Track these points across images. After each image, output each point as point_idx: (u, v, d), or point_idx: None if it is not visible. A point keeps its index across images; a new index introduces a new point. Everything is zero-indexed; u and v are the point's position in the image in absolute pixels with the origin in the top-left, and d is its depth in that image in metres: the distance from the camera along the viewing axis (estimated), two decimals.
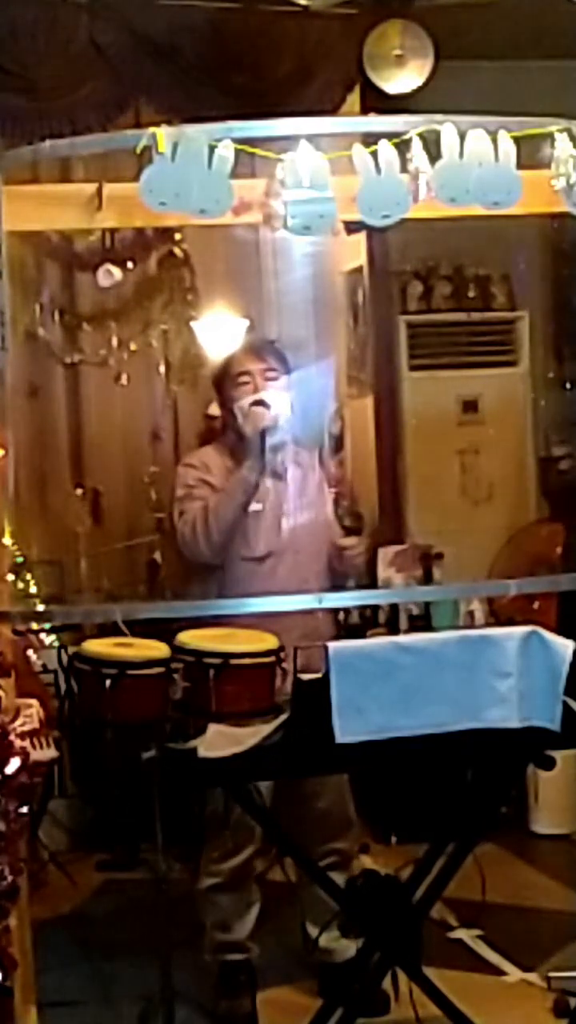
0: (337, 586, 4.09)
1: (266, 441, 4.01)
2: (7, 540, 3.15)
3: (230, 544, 4.06)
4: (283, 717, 3.23)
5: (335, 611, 4.38)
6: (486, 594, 5.47)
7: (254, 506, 4.05)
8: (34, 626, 4.58)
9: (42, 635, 5.10)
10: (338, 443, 5.97)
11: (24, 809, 2.91)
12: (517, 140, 2.99)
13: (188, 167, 2.89)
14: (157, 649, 3.51)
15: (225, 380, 4.17)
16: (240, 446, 4.08)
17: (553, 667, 3.16)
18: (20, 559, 4.32)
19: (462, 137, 2.96)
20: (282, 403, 4.05)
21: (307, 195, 2.91)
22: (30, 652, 4.88)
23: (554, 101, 3.35)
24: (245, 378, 4.09)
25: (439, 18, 5.78)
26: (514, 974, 4.27)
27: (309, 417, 4.45)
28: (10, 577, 3.30)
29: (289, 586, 3.94)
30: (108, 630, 3.67)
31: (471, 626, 5.37)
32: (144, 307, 6.18)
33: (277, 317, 6.00)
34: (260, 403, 4.03)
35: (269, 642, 3.52)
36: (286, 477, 4.14)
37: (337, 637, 4.04)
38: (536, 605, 5.18)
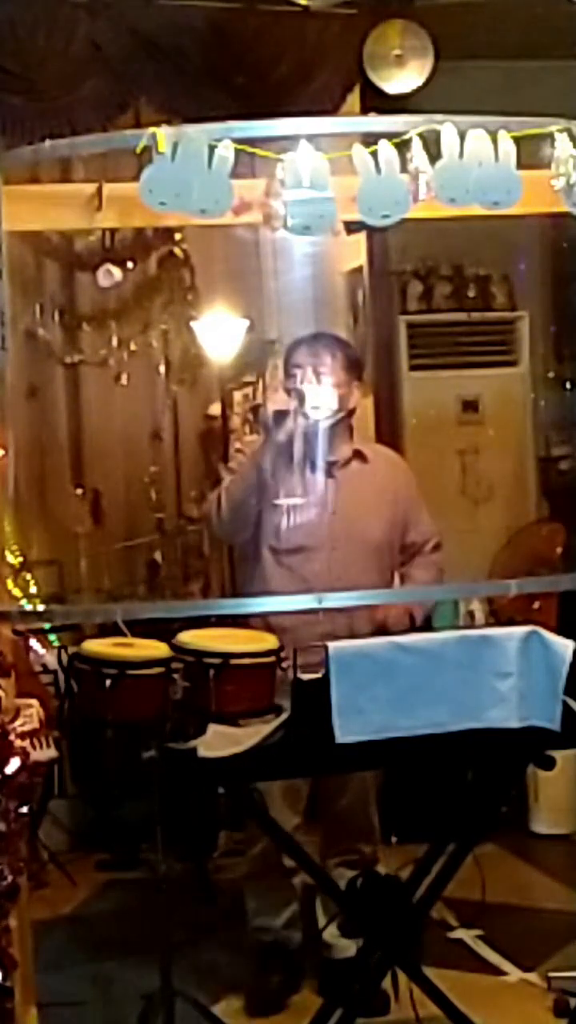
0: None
1: (302, 440, 3.99)
2: (7, 540, 3.15)
3: (245, 525, 4.07)
4: (283, 717, 3.23)
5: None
6: (486, 594, 5.47)
7: (291, 500, 4.04)
8: (34, 626, 4.58)
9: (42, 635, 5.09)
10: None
11: (24, 809, 2.91)
12: (517, 140, 2.99)
13: (188, 167, 2.89)
14: (157, 649, 3.52)
15: (287, 368, 4.19)
16: (275, 434, 4.06)
17: (553, 667, 3.16)
18: (20, 559, 4.32)
19: (462, 137, 2.96)
20: (328, 401, 4.05)
21: (307, 195, 2.91)
22: (35, 651, 4.88)
23: (554, 101, 3.34)
24: (297, 371, 4.09)
25: (439, 18, 5.78)
26: (514, 974, 4.27)
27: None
28: (10, 577, 3.30)
29: (324, 583, 3.93)
30: (108, 630, 3.67)
31: (471, 626, 5.37)
32: (144, 307, 6.18)
33: (277, 317, 6.00)
34: (294, 392, 4.03)
35: (269, 642, 3.53)
36: (340, 475, 4.14)
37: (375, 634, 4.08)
38: (536, 605, 5.18)
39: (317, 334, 4.32)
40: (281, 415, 4.01)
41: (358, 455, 4.23)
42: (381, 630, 4.01)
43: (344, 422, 4.17)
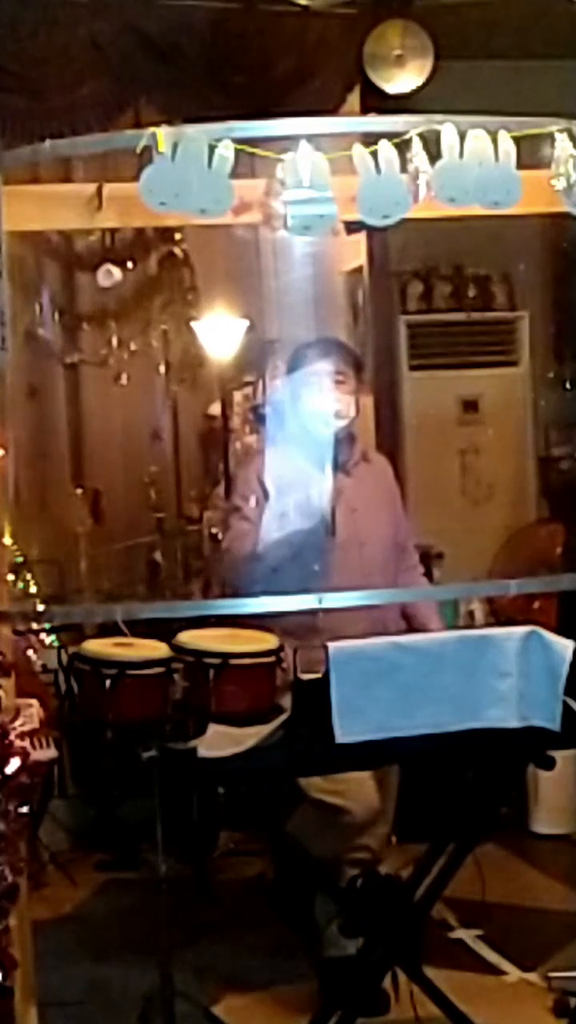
0: None
1: (334, 442, 4.06)
2: (7, 540, 3.15)
3: (274, 556, 4.03)
4: (283, 717, 3.23)
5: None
6: (486, 594, 5.47)
7: (324, 499, 4.05)
8: (34, 626, 4.58)
9: (42, 635, 5.10)
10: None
11: (24, 809, 2.91)
12: (517, 140, 2.99)
13: (188, 167, 2.88)
14: (157, 649, 3.52)
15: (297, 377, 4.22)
16: (307, 448, 4.10)
17: (553, 667, 3.16)
18: (20, 559, 4.32)
19: (462, 137, 2.96)
20: (349, 405, 4.13)
21: (307, 195, 2.91)
22: (35, 651, 4.89)
23: (554, 101, 3.35)
24: (313, 379, 4.13)
25: (439, 18, 5.79)
26: (514, 974, 4.27)
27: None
28: (10, 577, 3.30)
29: (355, 579, 3.95)
30: (108, 630, 3.67)
31: (471, 626, 5.37)
32: (144, 307, 6.18)
33: (277, 317, 6.00)
34: (330, 405, 4.09)
35: (269, 642, 3.53)
36: (354, 474, 4.19)
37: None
38: (536, 605, 5.19)
39: (327, 339, 4.34)
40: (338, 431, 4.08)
41: (364, 456, 4.34)
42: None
43: (355, 424, 4.28)
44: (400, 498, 4.45)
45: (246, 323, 5.89)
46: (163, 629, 3.58)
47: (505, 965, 4.33)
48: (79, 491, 6.13)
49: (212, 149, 2.89)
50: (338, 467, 4.10)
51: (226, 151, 2.89)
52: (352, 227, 3.64)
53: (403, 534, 4.39)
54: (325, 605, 3.25)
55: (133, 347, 6.14)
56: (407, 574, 4.38)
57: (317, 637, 3.50)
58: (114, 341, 6.12)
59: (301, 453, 4.11)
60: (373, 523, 4.20)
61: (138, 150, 2.92)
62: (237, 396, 6.18)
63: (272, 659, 3.50)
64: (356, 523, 4.14)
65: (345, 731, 3.10)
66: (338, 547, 4.08)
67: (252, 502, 4.13)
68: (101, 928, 4.88)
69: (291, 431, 4.18)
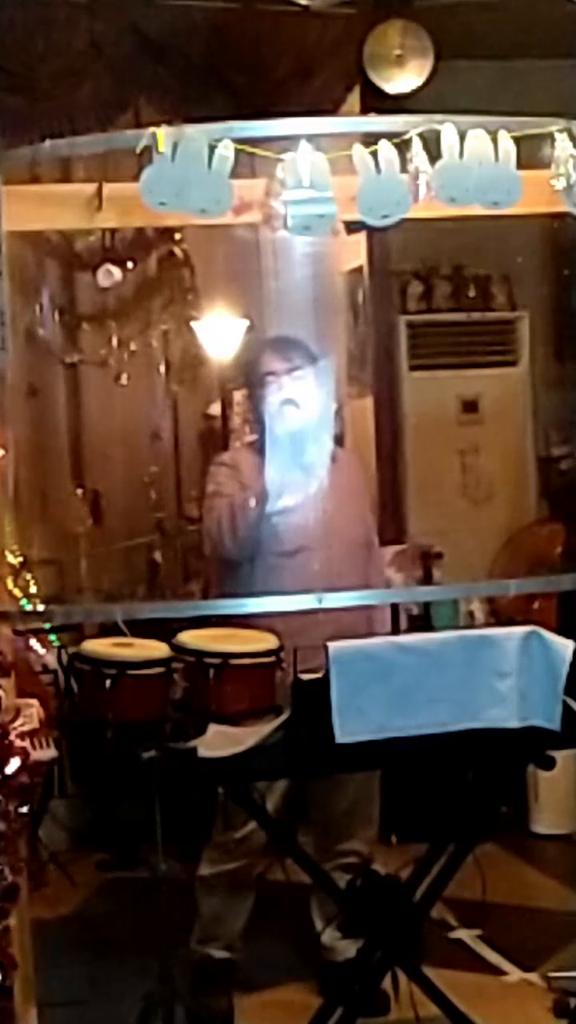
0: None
1: (295, 441, 4.02)
2: (7, 540, 3.15)
3: (258, 539, 4.07)
4: (283, 717, 3.23)
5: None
6: (486, 594, 5.47)
7: (286, 501, 4.05)
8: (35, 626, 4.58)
9: (42, 636, 5.10)
10: (338, 443, 5.96)
11: (24, 809, 2.91)
12: (517, 140, 2.99)
13: (188, 167, 2.88)
14: (157, 649, 3.52)
15: (253, 379, 4.21)
16: (269, 445, 4.08)
17: (553, 667, 3.16)
18: (20, 559, 4.31)
19: (462, 137, 2.96)
20: (311, 400, 4.07)
21: (307, 195, 2.91)
22: (34, 651, 4.88)
23: (554, 101, 3.35)
24: (271, 378, 4.10)
25: (439, 18, 5.78)
26: (514, 974, 4.27)
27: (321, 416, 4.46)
28: (10, 577, 3.30)
29: (322, 582, 3.93)
30: (108, 630, 3.67)
31: (471, 626, 5.37)
32: (144, 307, 6.18)
33: (277, 317, 5.99)
34: (288, 402, 4.04)
35: (269, 642, 3.52)
36: (319, 472, 4.14)
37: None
38: (536, 605, 5.19)
39: (279, 337, 4.34)
40: (298, 426, 4.03)
41: (332, 456, 4.26)
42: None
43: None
44: (368, 497, 4.39)
45: (246, 323, 5.89)
46: (163, 629, 3.57)
47: (505, 965, 4.33)
48: (79, 491, 6.14)
49: (212, 149, 2.89)
50: (313, 464, 4.06)
51: (226, 151, 2.89)
52: (352, 227, 3.64)
53: (370, 534, 4.35)
54: (325, 605, 3.26)
55: (133, 347, 6.15)
56: (375, 575, 4.33)
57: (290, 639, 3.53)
58: (114, 341, 6.13)
59: (269, 455, 4.08)
60: (339, 523, 4.13)
61: (138, 150, 2.92)
62: (237, 396, 6.18)
63: (272, 659, 3.49)
64: (322, 523, 4.09)
65: (345, 731, 3.10)
66: (303, 549, 4.06)
67: (228, 486, 4.13)
68: (101, 928, 4.88)
69: (261, 434, 4.16)
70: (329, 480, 4.12)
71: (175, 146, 2.88)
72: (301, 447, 4.06)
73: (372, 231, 4.10)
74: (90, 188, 3.71)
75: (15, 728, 2.95)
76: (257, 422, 4.20)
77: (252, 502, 4.05)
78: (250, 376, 4.27)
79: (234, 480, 4.15)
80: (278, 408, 4.04)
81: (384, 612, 4.30)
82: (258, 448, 4.18)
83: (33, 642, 4.80)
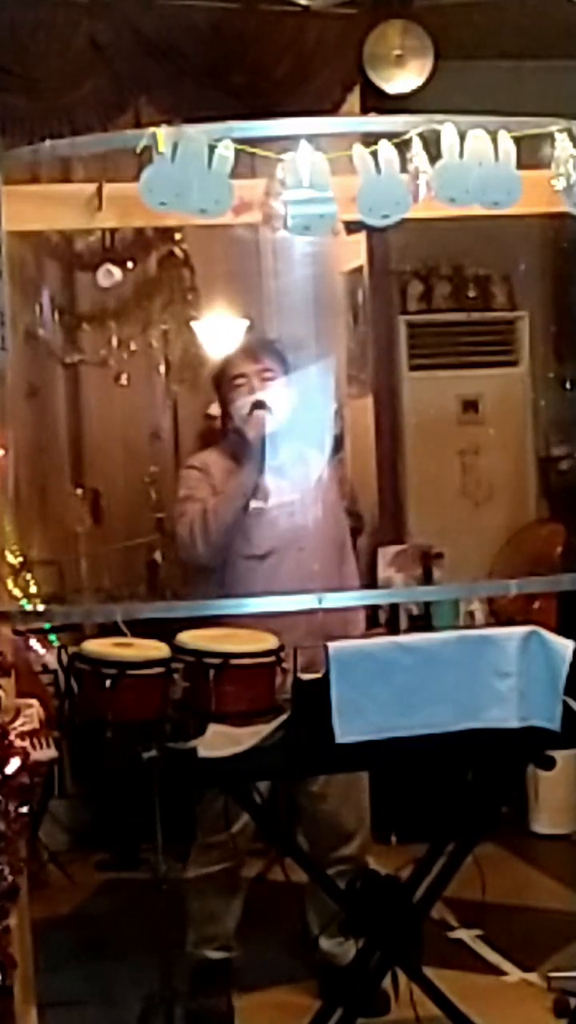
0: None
1: (268, 444, 4.01)
2: (7, 540, 3.15)
3: (230, 544, 4.06)
4: (283, 717, 3.23)
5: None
6: (486, 594, 5.47)
7: (256, 504, 4.05)
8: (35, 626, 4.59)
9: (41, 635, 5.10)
10: (338, 443, 5.96)
11: (24, 809, 2.91)
12: (517, 140, 2.99)
13: (188, 167, 2.89)
14: (157, 649, 3.52)
15: (223, 383, 4.18)
16: (242, 448, 4.08)
17: (553, 667, 3.16)
18: (20, 559, 4.31)
19: (462, 137, 2.96)
20: (282, 403, 4.05)
21: (307, 195, 2.91)
22: (34, 651, 4.88)
23: (554, 101, 3.34)
24: (241, 380, 4.09)
25: (439, 18, 5.78)
26: (514, 974, 4.27)
27: (310, 417, 4.45)
28: (10, 577, 3.30)
29: (292, 584, 3.93)
30: (108, 630, 3.67)
31: (471, 626, 5.37)
32: (144, 307, 6.18)
33: (277, 317, 6.00)
34: (260, 405, 4.02)
35: (269, 642, 3.52)
36: (288, 475, 4.12)
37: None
38: (536, 605, 5.19)
39: (254, 340, 4.31)
40: (269, 431, 4.01)
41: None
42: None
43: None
44: (340, 496, 4.33)
45: (246, 323, 5.89)
46: (163, 629, 3.57)
47: (505, 965, 4.33)
48: (79, 491, 6.13)
49: (212, 149, 2.89)
50: (265, 470, 4.05)
51: (226, 151, 2.90)
52: (352, 227, 3.64)
53: (343, 535, 4.29)
54: (325, 605, 3.26)
55: (133, 347, 6.14)
56: (349, 576, 4.29)
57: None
58: (114, 341, 6.13)
59: (239, 458, 4.08)
60: (310, 525, 4.09)
61: (138, 150, 2.92)
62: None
63: (272, 659, 3.49)
64: (289, 531, 4.06)
65: (345, 731, 3.10)
66: (273, 551, 4.05)
67: (200, 490, 4.11)
68: (101, 928, 4.88)
69: (232, 437, 4.15)
70: (301, 481, 4.10)
71: (175, 146, 2.88)
72: (272, 449, 4.04)
73: (372, 231, 4.09)
74: (90, 188, 3.71)
75: (15, 728, 2.95)
76: (229, 425, 4.17)
77: (225, 508, 4.04)
78: (219, 378, 4.23)
79: (205, 484, 4.13)
80: (248, 410, 4.03)
81: (358, 614, 4.24)
82: (228, 451, 4.17)
83: (33, 642, 4.80)
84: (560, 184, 3.04)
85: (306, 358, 5.33)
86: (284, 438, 4.08)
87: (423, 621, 5.59)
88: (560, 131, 3.04)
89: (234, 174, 2.90)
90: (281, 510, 4.08)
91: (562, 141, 3.03)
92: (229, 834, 3.84)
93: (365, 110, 5.79)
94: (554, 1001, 3.97)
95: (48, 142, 3.45)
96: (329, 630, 3.71)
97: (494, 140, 2.98)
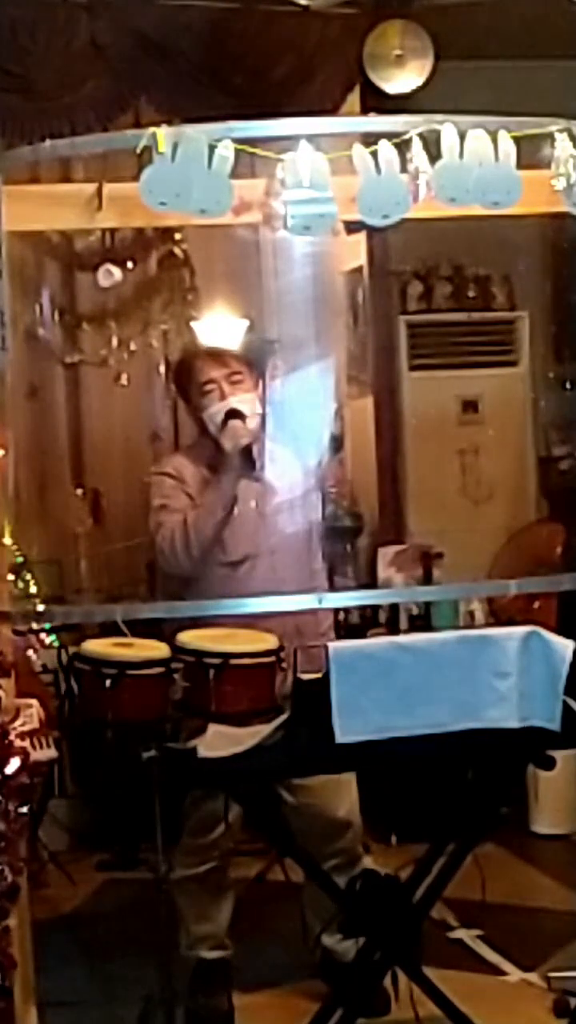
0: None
1: (245, 452, 4.00)
2: (7, 540, 3.15)
3: (209, 554, 4.03)
4: (283, 717, 3.23)
5: (335, 611, 4.36)
6: (486, 594, 5.47)
7: (234, 511, 4.02)
8: (34, 626, 4.59)
9: (42, 635, 5.10)
10: (338, 443, 5.96)
11: (24, 809, 2.91)
12: (517, 140, 2.99)
13: (188, 167, 2.88)
14: (157, 649, 3.52)
15: (191, 388, 4.13)
16: (216, 457, 4.04)
17: (553, 667, 3.16)
18: (20, 559, 4.32)
19: (462, 137, 2.96)
20: (254, 407, 4.02)
21: (307, 195, 2.91)
22: (34, 651, 4.89)
23: (554, 101, 3.34)
24: (211, 387, 4.04)
25: (439, 18, 5.78)
26: (514, 974, 4.27)
27: (307, 417, 4.45)
28: (10, 577, 3.30)
29: (265, 587, 3.89)
30: (108, 630, 3.67)
31: (471, 626, 5.38)
32: (144, 307, 6.18)
33: (277, 317, 6.00)
34: (235, 415, 3.98)
35: (269, 642, 3.53)
36: (262, 478, 4.09)
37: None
38: (536, 605, 5.19)
39: (219, 346, 4.29)
40: (246, 440, 4.00)
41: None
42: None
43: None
44: (312, 497, 4.26)
45: (246, 323, 5.89)
46: (163, 629, 3.58)
47: (505, 965, 4.33)
48: (79, 491, 6.14)
49: (212, 149, 2.89)
50: (247, 472, 4.03)
51: (226, 151, 2.89)
52: (352, 227, 3.64)
53: (313, 536, 4.24)
54: (325, 605, 3.26)
55: (133, 347, 6.14)
56: (319, 578, 4.24)
57: None
58: (114, 341, 6.12)
59: (211, 467, 4.06)
60: (283, 529, 4.07)
61: (138, 150, 2.92)
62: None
63: (272, 659, 3.49)
64: (263, 535, 4.04)
65: (345, 731, 3.10)
66: (248, 557, 4.03)
67: (176, 499, 4.07)
68: (101, 928, 4.88)
69: (204, 442, 4.13)
70: (277, 485, 4.08)
71: (175, 146, 2.88)
72: (248, 457, 4.03)
73: (372, 231, 4.09)
74: (90, 188, 3.70)
75: (15, 728, 2.95)
76: (199, 429, 4.15)
77: (204, 522, 3.99)
78: (185, 383, 4.18)
79: (180, 492, 4.07)
80: (222, 420, 3.99)
81: (327, 615, 4.18)
82: (201, 456, 4.12)
83: (33, 642, 4.81)
84: (560, 184, 3.04)
85: (306, 358, 5.35)
86: (258, 439, 4.06)
87: (423, 621, 5.59)
88: (560, 131, 3.03)
89: (234, 174, 2.90)
90: (257, 515, 4.06)
91: (562, 141, 3.03)
92: (218, 834, 3.84)
93: (365, 110, 5.79)
94: (554, 1001, 3.97)
95: (48, 142, 3.45)
96: (303, 630, 3.75)
97: (494, 140, 2.97)
